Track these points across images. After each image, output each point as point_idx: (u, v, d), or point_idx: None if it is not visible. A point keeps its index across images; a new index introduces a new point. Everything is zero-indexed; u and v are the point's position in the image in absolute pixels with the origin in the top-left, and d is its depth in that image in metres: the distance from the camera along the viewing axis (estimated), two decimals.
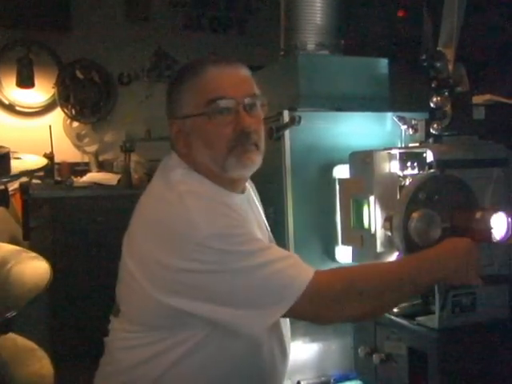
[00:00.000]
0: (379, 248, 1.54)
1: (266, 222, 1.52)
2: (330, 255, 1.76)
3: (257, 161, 1.31)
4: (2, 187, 2.11)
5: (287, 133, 1.73)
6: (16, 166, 1.84)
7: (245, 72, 1.33)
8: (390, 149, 1.59)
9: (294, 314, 1.20)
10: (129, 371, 1.28)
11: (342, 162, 1.71)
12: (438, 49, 1.59)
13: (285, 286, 1.16)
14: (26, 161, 2.00)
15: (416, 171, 1.55)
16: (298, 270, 1.18)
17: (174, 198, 1.21)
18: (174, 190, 1.23)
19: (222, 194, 1.30)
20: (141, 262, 1.24)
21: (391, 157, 1.57)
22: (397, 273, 1.26)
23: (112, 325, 1.36)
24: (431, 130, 1.60)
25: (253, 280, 1.16)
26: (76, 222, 3.59)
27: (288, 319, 1.43)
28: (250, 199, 1.45)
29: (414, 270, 1.25)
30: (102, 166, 4.29)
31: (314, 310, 1.19)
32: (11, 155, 1.78)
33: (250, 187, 1.48)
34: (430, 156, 1.50)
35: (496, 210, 1.42)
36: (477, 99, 1.56)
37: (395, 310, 1.60)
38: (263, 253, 1.18)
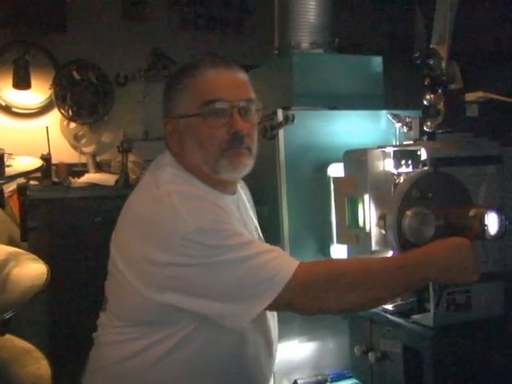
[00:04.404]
0: (374, 246, 1.54)
1: (257, 225, 1.53)
2: (326, 254, 1.76)
3: (248, 164, 1.33)
4: None
5: (281, 132, 1.73)
6: (11, 167, 1.84)
7: (242, 76, 1.35)
8: (384, 147, 1.59)
9: (279, 306, 1.20)
10: (117, 366, 1.29)
11: (336, 160, 1.71)
12: (430, 46, 1.59)
13: (268, 278, 1.17)
14: (21, 162, 2.00)
15: (410, 169, 1.55)
16: (281, 262, 1.19)
17: (162, 196, 1.22)
18: (162, 189, 1.24)
19: (211, 194, 1.31)
20: (128, 258, 1.26)
21: (385, 155, 1.56)
22: (386, 268, 1.26)
23: (100, 320, 1.37)
24: (425, 128, 1.60)
25: (237, 273, 1.17)
26: (74, 222, 3.59)
27: (276, 316, 1.44)
28: (240, 201, 1.46)
29: (405, 267, 1.25)
30: (100, 167, 4.28)
31: (299, 301, 1.20)
32: (6, 157, 1.78)
33: (241, 190, 1.49)
34: (423, 154, 1.50)
35: (490, 208, 1.42)
36: (470, 96, 1.56)
37: (390, 307, 1.60)
38: (247, 246, 1.19)
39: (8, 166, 1.75)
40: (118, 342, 1.29)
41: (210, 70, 1.31)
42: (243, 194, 1.51)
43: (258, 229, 1.52)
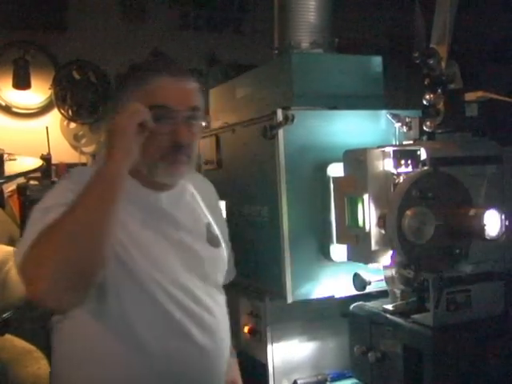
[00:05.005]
0: (374, 246, 1.54)
1: (211, 221, 1.48)
2: (326, 254, 1.76)
3: (185, 172, 1.37)
4: None
5: (281, 131, 1.73)
6: (11, 167, 1.85)
7: (192, 85, 1.38)
8: (384, 147, 1.59)
9: None
10: (60, 354, 1.36)
11: (336, 160, 1.71)
12: (430, 46, 1.59)
13: None
14: (21, 162, 2.01)
15: (410, 169, 1.55)
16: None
17: None
18: None
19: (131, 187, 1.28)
20: None
21: (385, 155, 1.56)
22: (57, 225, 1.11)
23: None
24: (424, 128, 1.60)
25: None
26: None
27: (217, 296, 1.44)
28: (180, 198, 1.44)
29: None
30: None
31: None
32: (6, 157, 1.79)
33: (193, 188, 1.48)
34: (423, 154, 1.50)
35: (490, 208, 1.42)
36: (470, 96, 1.55)
37: (390, 307, 1.60)
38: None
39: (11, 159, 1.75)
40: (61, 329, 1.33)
41: (161, 75, 1.33)
42: (194, 189, 1.48)
43: (212, 225, 1.48)
